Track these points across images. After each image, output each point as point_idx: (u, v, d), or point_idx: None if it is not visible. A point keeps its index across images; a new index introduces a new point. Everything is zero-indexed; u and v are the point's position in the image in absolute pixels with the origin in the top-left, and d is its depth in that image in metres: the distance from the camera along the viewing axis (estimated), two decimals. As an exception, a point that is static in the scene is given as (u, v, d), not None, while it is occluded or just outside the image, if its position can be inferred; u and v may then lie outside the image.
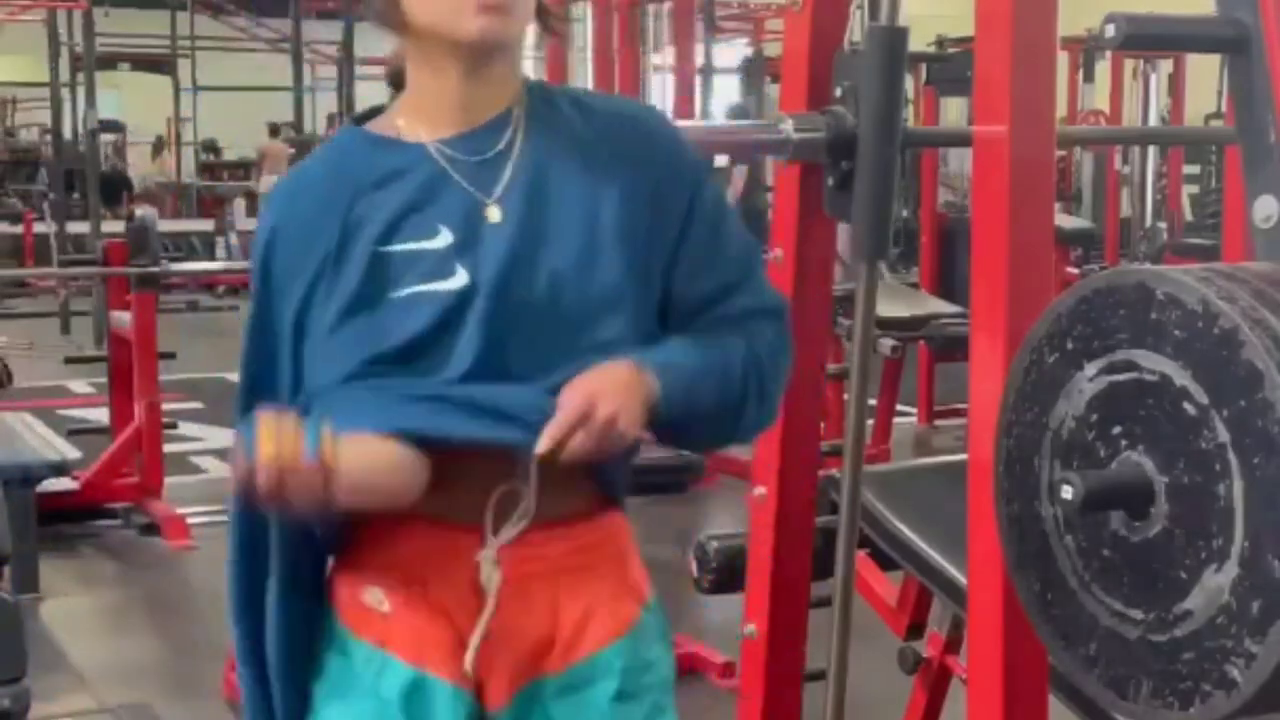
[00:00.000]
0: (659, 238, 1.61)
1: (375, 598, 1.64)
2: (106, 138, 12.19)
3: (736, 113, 9.77)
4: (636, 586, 1.70)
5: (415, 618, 1.62)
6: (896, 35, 1.97)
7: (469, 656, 1.60)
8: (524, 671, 1.63)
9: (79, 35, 12.00)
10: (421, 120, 1.61)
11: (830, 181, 2.02)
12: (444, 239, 1.57)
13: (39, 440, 5.58)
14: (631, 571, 1.70)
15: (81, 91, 11.85)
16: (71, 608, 4.93)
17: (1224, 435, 1.21)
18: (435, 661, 1.61)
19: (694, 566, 2.51)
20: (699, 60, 9.23)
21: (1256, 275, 1.27)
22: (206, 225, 15.04)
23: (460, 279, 1.55)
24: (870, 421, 2.52)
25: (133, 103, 19.46)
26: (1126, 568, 1.30)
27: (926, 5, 11.32)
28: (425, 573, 1.62)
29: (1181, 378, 1.24)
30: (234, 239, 14.18)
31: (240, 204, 15.06)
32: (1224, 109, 8.83)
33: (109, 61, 13.92)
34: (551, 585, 1.64)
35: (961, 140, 2.07)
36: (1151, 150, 11.24)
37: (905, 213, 9.60)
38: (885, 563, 2.60)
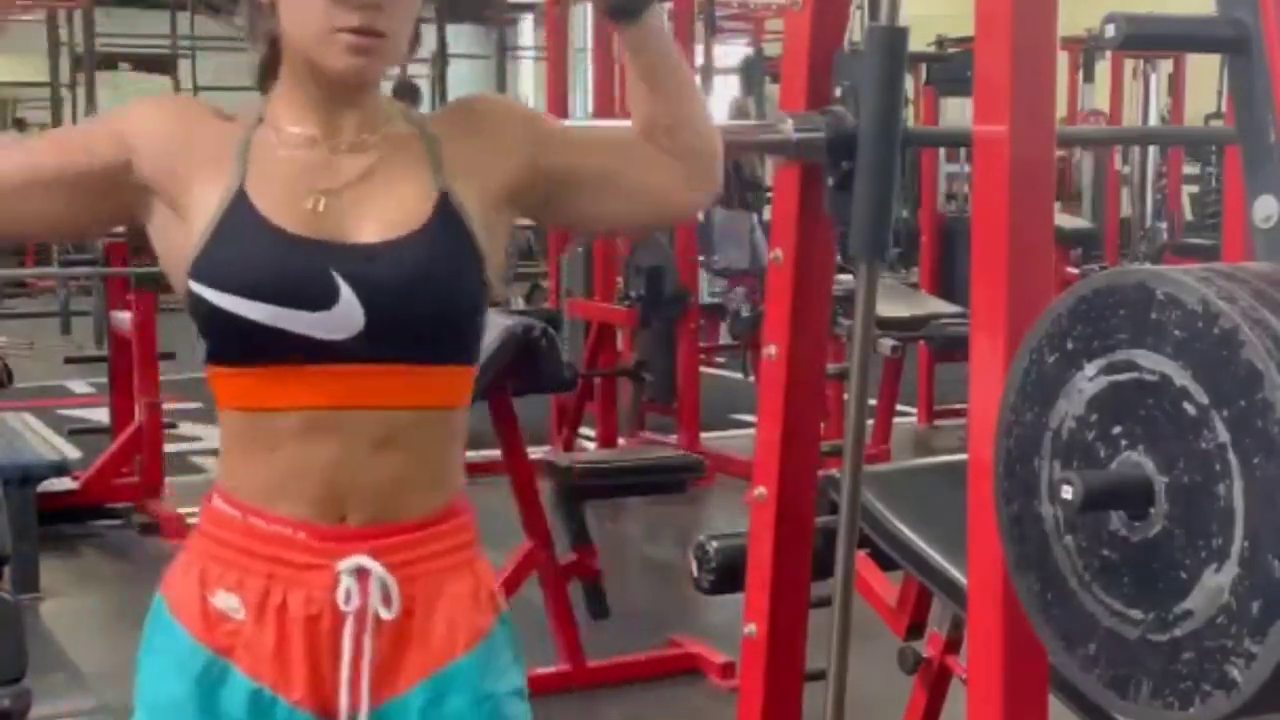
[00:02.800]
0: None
1: (229, 603, 1.57)
2: (107, 138, 12.11)
3: (738, 109, 9.75)
4: (492, 594, 1.66)
5: (267, 629, 1.56)
6: (896, 35, 1.97)
7: (343, 695, 1.55)
8: (380, 685, 1.57)
9: (79, 35, 12.01)
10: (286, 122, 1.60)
11: (830, 181, 2.02)
12: None
13: (39, 440, 5.58)
14: (485, 578, 1.66)
15: (81, 91, 11.85)
16: (71, 608, 4.93)
17: (1224, 435, 1.21)
18: (282, 681, 1.56)
19: (694, 566, 2.51)
20: (699, 60, 9.23)
21: (1256, 275, 1.27)
22: (206, 225, 15.01)
23: None
24: (870, 421, 2.52)
25: (133, 103, 19.43)
26: (1126, 568, 1.30)
27: (926, 5, 11.30)
28: (281, 578, 1.56)
29: (1181, 378, 1.24)
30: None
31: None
32: (1224, 109, 8.83)
33: (109, 61, 13.88)
34: (408, 591, 1.58)
35: (961, 140, 2.07)
36: (1151, 150, 11.25)
37: (905, 213, 9.59)
38: (885, 563, 2.59)
